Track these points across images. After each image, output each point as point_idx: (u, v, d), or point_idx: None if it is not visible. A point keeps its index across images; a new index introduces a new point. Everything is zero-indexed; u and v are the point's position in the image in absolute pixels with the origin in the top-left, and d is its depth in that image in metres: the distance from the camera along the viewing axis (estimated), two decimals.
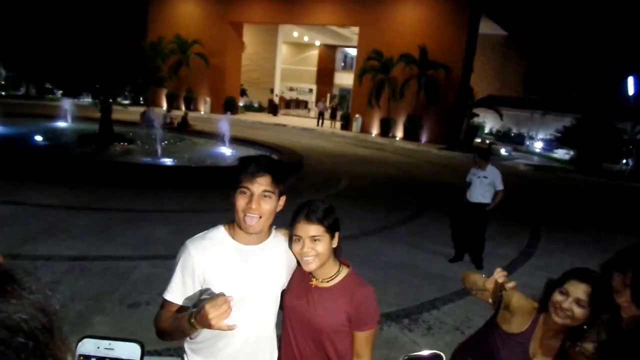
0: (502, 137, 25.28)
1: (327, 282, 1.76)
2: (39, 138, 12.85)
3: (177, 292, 1.63)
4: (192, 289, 1.63)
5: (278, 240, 1.77)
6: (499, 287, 1.82)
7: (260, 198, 1.56)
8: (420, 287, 5.30)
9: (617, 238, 8.21)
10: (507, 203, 10.43)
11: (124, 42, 13.66)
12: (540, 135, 24.69)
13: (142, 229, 6.27)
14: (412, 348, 3.94)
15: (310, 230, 1.65)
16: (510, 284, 1.84)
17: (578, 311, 1.70)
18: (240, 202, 1.57)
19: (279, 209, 1.66)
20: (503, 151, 20.12)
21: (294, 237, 1.69)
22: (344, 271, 1.80)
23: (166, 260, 5.19)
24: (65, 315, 3.87)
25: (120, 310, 4.05)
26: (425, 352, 1.17)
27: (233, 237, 1.67)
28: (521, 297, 1.88)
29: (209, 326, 1.37)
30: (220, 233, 1.68)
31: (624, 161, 19.28)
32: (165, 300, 1.66)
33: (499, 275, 1.84)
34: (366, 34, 23.24)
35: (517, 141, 24.63)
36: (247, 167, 1.58)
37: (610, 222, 9.84)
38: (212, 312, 1.34)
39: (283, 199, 1.67)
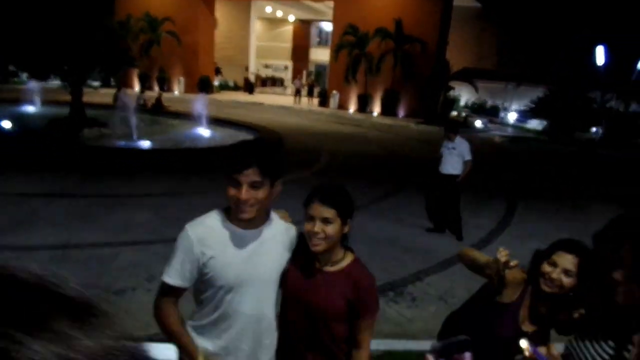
0: (478, 109, 25.61)
1: (331, 266, 1.76)
2: (6, 124, 12.37)
3: (176, 276, 1.66)
4: (191, 273, 1.66)
5: (276, 223, 1.78)
6: (502, 267, 1.87)
7: (249, 188, 1.56)
8: (404, 260, 5.43)
9: (591, 206, 8.52)
10: (483, 174, 10.70)
11: (91, 20, 13.13)
12: (515, 107, 25.12)
13: (122, 214, 6.19)
14: (398, 320, 4.06)
15: (323, 212, 1.65)
16: (513, 263, 1.86)
17: (566, 281, 1.79)
18: (231, 192, 1.58)
19: (275, 194, 1.66)
20: (479, 123, 20.43)
21: (306, 216, 1.69)
22: (349, 257, 1.79)
23: (149, 245, 5.16)
24: None
25: (106, 298, 4.03)
26: (455, 339, 1.22)
27: (231, 222, 1.68)
28: (514, 270, 1.94)
29: None
30: (218, 217, 1.70)
31: (594, 130, 19.85)
32: (164, 283, 1.68)
33: (502, 255, 1.87)
34: (341, 8, 22.93)
35: (492, 113, 25.00)
36: (235, 158, 1.58)
37: (583, 190, 10.18)
38: None
39: (279, 183, 1.67)
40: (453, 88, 22.05)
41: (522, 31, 24.98)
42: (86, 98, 12.96)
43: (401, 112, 21.95)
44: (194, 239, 1.64)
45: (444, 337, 2.21)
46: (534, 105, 19.82)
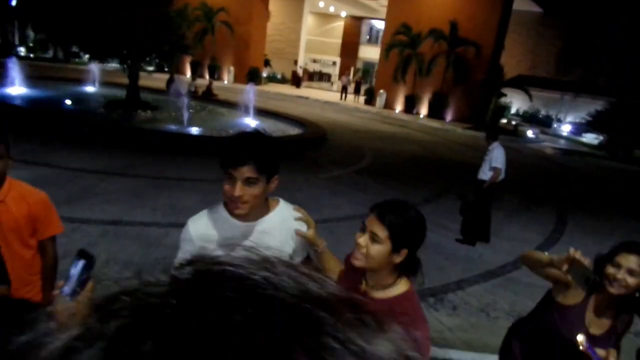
0: (529, 118, 24.68)
1: (377, 291, 1.56)
2: (68, 102, 13.05)
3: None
4: None
5: (282, 214, 1.75)
6: (570, 261, 1.83)
7: (243, 184, 1.54)
8: (445, 267, 5.31)
9: None
10: (534, 187, 10.30)
11: (150, 7, 13.60)
12: (569, 119, 24.01)
13: (171, 196, 6.38)
14: (438, 327, 3.98)
15: (375, 226, 1.49)
16: (583, 258, 1.82)
17: (631, 280, 1.85)
18: (225, 186, 1.56)
19: (271, 189, 1.63)
20: (529, 133, 19.68)
21: (361, 225, 1.57)
22: (402, 286, 1.55)
23: None
24: (103, 278, 4.01)
25: (154, 276, 4.17)
26: None
27: (231, 215, 1.66)
28: (534, 253, 2.11)
29: None
30: (219, 210, 1.70)
31: None
32: (172, 276, 1.72)
33: (573, 251, 1.83)
34: (395, 6, 22.63)
35: (544, 123, 24.02)
36: (232, 153, 1.53)
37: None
38: None
39: (275, 180, 1.63)
40: (505, 95, 21.31)
41: (583, 40, 23.79)
42: (141, 82, 13.44)
43: (449, 116, 21.47)
44: (194, 233, 1.67)
45: (508, 345, 2.36)
46: (591, 118, 18.85)
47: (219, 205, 1.72)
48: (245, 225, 1.67)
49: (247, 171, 1.52)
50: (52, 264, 2.10)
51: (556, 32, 25.84)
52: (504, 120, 23.23)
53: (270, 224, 1.71)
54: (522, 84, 21.08)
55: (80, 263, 1.11)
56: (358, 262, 1.52)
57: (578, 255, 1.80)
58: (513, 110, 25.68)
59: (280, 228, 1.72)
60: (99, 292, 3.63)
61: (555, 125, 23.74)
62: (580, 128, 21.86)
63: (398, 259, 1.49)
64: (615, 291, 1.87)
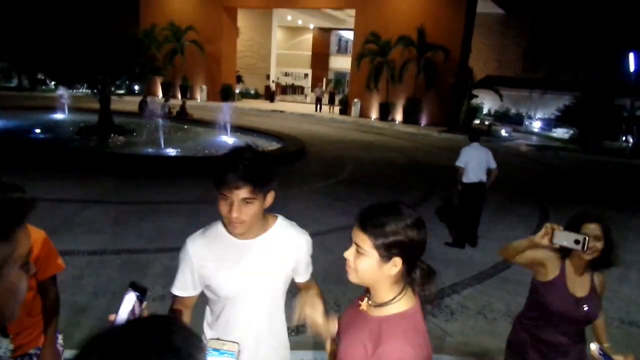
0: (501, 117, 25.26)
1: (375, 307, 1.38)
2: (38, 131, 12.70)
3: (180, 287, 1.71)
4: (193, 284, 1.69)
5: (280, 231, 1.73)
6: (550, 231, 2.04)
7: (240, 205, 1.52)
8: (438, 271, 5.31)
9: (624, 214, 8.28)
10: (514, 184, 10.50)
11: (117, 30, 13.42)
12: (539, 115, 24.68)
13: (155, 221, 6.24)
14: (439, 334, 3.96)
15: (357, 237, 1.34)
16: (559, 228, 2.04)
17: (599, 244, 2.15)
18: (222, 207, 1.55)
19: (267, 205, 1.62)
20: (503, 132, 20.12)
21: None
22: (404, 303, 1.34)
23: None
24: (92, 311, 3.86)
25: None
26: None
27: (230, 232, 1.65)
28: (543, 251, 2.26)
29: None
30: (217, 228, 1.69)
31: (624, 138, 19.36)
32: (172, 294, 1.73)
33: (550, 224, 2.03)
34: (363, 16, 22.96)
35: (516, 121, 24.62)
36: (226, 174, 1.50)
37: (616, 199, 9.90)
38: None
39: (271, 194, 1.62)
40: (476, 96, 21.79)
41: (546, 38, 24.60)
42: (113, 106, 13.20)
43: (423, 120, 21.79)
44: (192, 252, 1.66)
45: (515, 335, 2.52)
46: (560, 114, 19.43)
47: (217, 223, 1.70)
48: (244, 243, 1.66)
49: (243, 192, 1.50)
50: (53, 305, 1.99)
51: (519, 31, 26.65)
52: (477, 121, 23.71)
53: (269, 241, 1.69)
54: (491, 84, 21.61)
55: (134, 296, 1.11)
56: (350, 278, 1.40)
57: (553, 225, 2.02)
58: (485, 111, 26.26)
59: (279, 245, 1.70)
60: (92, 325, 3.46)
61: (526, 123, 24.37)
62: (551, 124, 22.49)
63: (392, 270, 1.30)
64: (589, 257, 2.17)
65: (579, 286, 2.26)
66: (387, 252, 1.29)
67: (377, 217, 1.32)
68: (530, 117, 24.76)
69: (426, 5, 21.30)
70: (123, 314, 1.09)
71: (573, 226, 2.16)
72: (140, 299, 1.12)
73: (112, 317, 1.10)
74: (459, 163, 6.26)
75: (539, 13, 24.49)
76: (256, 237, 1.67)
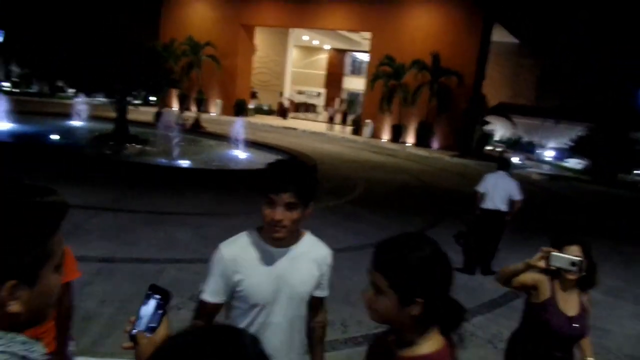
0: (513, 145, 25.19)
1: (404, 349, 1.26)
2: (54, 137, 12.88)
3: (212, 293, 1.73)
4: (225, 290, 1.73)
5: (309, 244, 1.81)
6: (545, 255, 2.28)
7: (284, 209, 1.60)
8: (467, 310, 5.22)
9: (638, 248, 8.13)
10: (526, 213, 10.39)
11: (137, 42, 13.70)
12: (552, 144, 24.58)
13: (164, 231, 6.25)
14: None
15: (374, 275, 1.24)
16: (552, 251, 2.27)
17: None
18: (266, 211, 1.62)
19: (307, 215, 1.69)
20: (515, 159, 20.03)
21: None
22: (431, 345, 1.23)
23: (191, 265, 5.17)
24: (99, 318, 3.84)
25: None
26: None
27: (263, 240, 1.73)
28: (534, 274, 2.42)
29: None
30: (251, 236, 1.75)
31: (636, 172, 19.17)
32: (203, 302, 1.75)
33: (545, 248, 2.27)
34: (378, 39, 23.25)
35: (528, 149, 24.53)
36: (273, 178, 1.61)
37: (630, 233, 9.75)
38: None
39: (311, 206, 1.69)
40: (489, 122, 21.80)
41: (560, 68, 24.69)
42: (129, 115, 13.38)
43: (435, 144, 21.80)
44: (227, 258, 1.70)
45: (511, 354, 2.68)
46: (573, 144, 19.33)
47: (251, 230, 1.77)
48: (277, 251, 1.72)
49: (288, 197, 1.58)
50: (68, 311, 1.98)
51: (533, 60, 26.80)
52: (489, 147, 23.66)
53: (299, 252, 1.76)
54: (504, 111, 21.64)
55: (155, 299, 1.10)
56: (371, 318, 1.29)
57: (549, 249, 2.23)
58: (497, 138, 26.22)
59: (307, 257, 1.77)
60: (98, 332, 3.41)
61: (538, 151, 24.26)
62: (563, 153, 22.35)
63: (414, 310, 1.18)
64: (573, 276, 2.31)
65: (569, 305, 2.41)
66: (406, 292, 1.18)
67: (393, 253, 1.21)
68: (542, 146, 24.67)
69: (442, 31, 21.53)
70: (147, 316, 1.09)
71: (555, 248, 2.32)
72: (160, 303, 1.10)
73: (132, 318, 1.10)
74: (479, 188, 6.29)
75: (552, 43, 24.65)
76: (289, 247, 1.74)
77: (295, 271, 1.73)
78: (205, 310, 1.75)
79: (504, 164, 6.58)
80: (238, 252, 1.72)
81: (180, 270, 5.02)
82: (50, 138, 12.73)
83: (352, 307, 4.58)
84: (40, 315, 0.88)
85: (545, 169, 20.50)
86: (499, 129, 25.54)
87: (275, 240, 1.68)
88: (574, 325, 2.38)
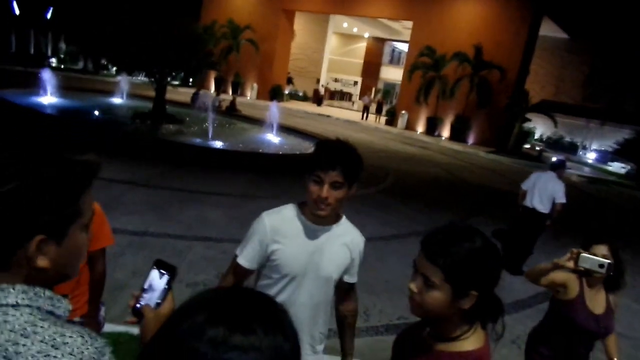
0: (554, 144, 24.32)
1: (443, 343, 1.24)
2: (97, 113, 13.34)
3: (249, 259, 1.79)
4: (261, 257, 1.78)
5: (346, 228, 1.84)
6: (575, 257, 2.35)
7: (330, 187, 1.63)
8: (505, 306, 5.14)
9: None
10: (563, 215, 10.05)
11: (179, 24, 13.91)
12: (595, 146, 23.58)
13: (196, 209, 6.38)
14: None
15: (426, 268, 1.19)
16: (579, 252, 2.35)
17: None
18: (313, 188, 1.65)
19: (351, 195, 1.72)
20: (554, 159, 19.35)
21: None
22: (474, 341, 1.20)
23: (219, 244, 5.27)
24: (130, 289, 3.98)
25: (179, 288, 4.11)
26: None
27: (305, 216, 1.77)
28: (564, 273, 2.48)
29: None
30: (293, 210, 1.80)
31: None
32: (237, 264, 1.81)
33: (575, 250, 2.36)
34: (419, 29, 22.75)
35: (569, 150, 23.63)
36: (322, 157, 1.65)
37: None
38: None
39: (355, 187, 1.72)
40: (529, 120, 21.08)
41: (611, 67, 23.50)
42: (167, 95, 13.67)
43: (471, 139, 21.29)
44: (269, 226, 1.75)
45: (533, 348, 2.75)
46: (619, 147, 18.47)
47: (293, 205, 1.82)
48: (317, 228, 1.76)
49: (335, 175, 1.62)
50: (100, 276, 2.06)
51: (582, 58, 25.61)
52: (527, 146, 22.93)
53: (336, 233, 1.80)
54: (547, 109, 20.84)
55: (161, 274, 1.09)
56: (413, 312, 1.26)
57: (579, 250, 2.32)
58: (536, 136, 25.36)
59: (342, 239, 1.81)
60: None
61: (580, 153, 23.33)
62: (607, 156, 21.42)
63: (466, 304, 1.16)
64: (600, 275, 2.35)
65: (596, 304, 2.48)
66: (462, 285, 1.15)
67: (448, 244, 1.17)
68: (585, 147, 23.70)
69: (486, 22, 20.84)
70: (156, 291, 1.07)
71: (584, 247, 2.43)
72: (166, 278, 1.08)
73: (136, 293, 1.08)
74: (523, 185, 6.22)
75: (604, 41, 23.44)
76: (326, 226, 1.77)
77: (328, 250, 1.77)
78: (236, 271, 1.82)
79: (556, 165, 6.37)
80: (280, 222, 1.76)
81: (208, 248, 5.12)
82: (92, 114, 13.18)
83: (375, 297, 4.57)
84: (68, 272, 0.88)
85: (586, 171, 19.70)
86: (540, 127, 24.66)
87: (318, 217, 1.71)
88: (600, 323, 2.45)
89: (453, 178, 12.68)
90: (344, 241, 1.81)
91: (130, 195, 6.49)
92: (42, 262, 0.80)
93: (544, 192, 5.98)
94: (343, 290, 1.93)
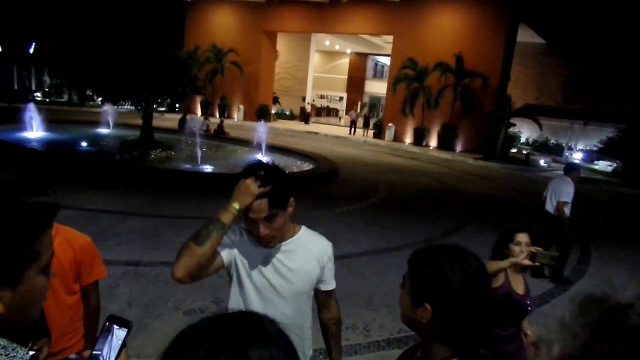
0: (539, 147, 24.63)
1: None
2: (83, 144, 13.28)
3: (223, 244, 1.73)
4: (228, 251, 1.72)
5: (305, 238, 1.78)
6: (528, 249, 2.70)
7: (265, 223, 1.59)
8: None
9: None
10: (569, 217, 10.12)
11: (163, 52, 14.02)
12: (580, 146, 23.93)
13: (188, 235, 6.33)
14: None
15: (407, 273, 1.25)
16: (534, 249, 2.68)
17: (531, 249, 2.66)
18: (249, 227, 1.63)
19: (290, 213, 1.67)
20: (542, 162, 19.59)
21: None
22: None
23: None
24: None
25: (176, 316, 4.08)
26: None
27: (254, 242, 1.71)
28: (492, 263, 2.68)
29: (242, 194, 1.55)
30: (243, 235, 1.75)
31: None
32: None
33: (534, 249, 2.67)
34: (400, 42, 23.12)
35: (555, 152, 23.94)
36: None
37: None
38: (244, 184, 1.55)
39: (291, 203, 1.66)
40: (514, 124, 21.38)
41: (588, 67, 24.01)
42: (154, 122, 13.68)
43: (459, 147, 21.51)
44: (236, 242, 1.73)
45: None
46: (603, 146, 18.77)
47: (240, 228, 1.74)
48: (271, 250, 1.71)
49: (264, 208, 1.56)
50: (95, 309, 2.04)
51: (561, 61, 26.15)
52: (514, 150, 23.20)
53: (294, 246, 1.74)
54: (530, 113, 21.18)
55: (116, 330, 1.04)
56: (401, 319, 1.29)
57: (534, 248, 2.63)
58: (522, 140, 25.69)
59: (303, 251, 1.75)
60: (139, 335, 3.44)
61: (566, 154, 23.65)
62: (593, 155, 21.74)
63: (421, 316, 1.15)
64: (526, 262, 2.63)
65: (518, 285, 2.77)
66: (418, 293, 1.17)
67: (428, 254, 1.22)
68: (570, 148, 24.05)
69: (465, 32, 21.26)
70: (103, 350, 1.01)
71: (507, 237, 2.76)
72: (123, 332, 1.04)
73: (86, 353, 1.03)
74: (544, 193, 6.46)
75: (580, 43, 24.01)
76: (282, 242, 1.72)
77: (289, 267, 1.71)
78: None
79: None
80: (238, 244, 1.74)
81: None
82: (80, 145, 13.13)
83: (374, 311, 4.55)
84: (24, 317, 0.84)
85: None
86: (525, 131, 25.01)
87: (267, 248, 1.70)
88: (525, 301, 2.75)
89: (444, 187, 12.77)
90: (306, 252, 1.76)
91: (122, 225, 6.44)
92: None
93: (554, 195, 6.20)
94: (321, 300, 1.90)
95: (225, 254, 1.71)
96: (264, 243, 1.64)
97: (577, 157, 23.47)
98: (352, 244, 6.61)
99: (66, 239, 1.95)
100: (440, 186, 12.78)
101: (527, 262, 2.60)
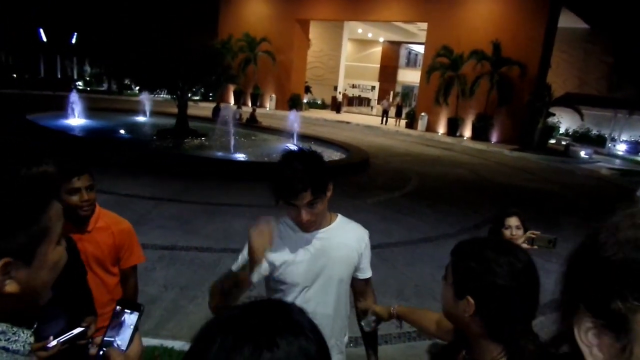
0: (580, 138, 23.68)
1: None
2: (121, 131, 13.70)
3: (240, 265, 1.72)
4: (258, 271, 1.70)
5: (341, 226, 1.80)
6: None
7: (307, 209, 1.61)
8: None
9: None
10: (591, 208, 9.75)
11: (198, 42, 14.22)
12: (624, 137, 22.85)
13: (221, 222, 6.46)
14: None
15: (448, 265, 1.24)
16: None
17: (520, 232, 2.72)
18: (290, 213, 1.64)
19: (329, 197, 1.69)
20: (582, 153, 18.82)
21: None
22: None
23: None
24: (162, 302, 4.05)
25: None
26: None
27: (294, 227, 1.74)
28: None
29: (252, 252, 1.44)
30: (284, 219, 1.77)
31: None
32: (230, 271, 1.74)
33: (531, 232, 2.70)
34: (435, 29, 22.59)
35: (597, 143, 22.95)
36: (287, 185, 1.58)
37: None
38: (255, 234, 1.44)
39: (330, 188, 1.68)
40: (553, 114, 20.59)
41: (633, 56, 22.77)
42: (189, 111, 13.94)
43: (494, 138, 20.93)
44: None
45: None
46: None
47: (284, 217, 1.77)
48: (311, 234, 1.74)
49: (307, 197, 1.58)
50: (133, 292, 2.11)
51: (605, 47, 24.90)
52: (553, 141, 22.40)
53: (331, 234, 1.77)
54: (571, 102, 20.33)
55: (127, 314, 1.04)
56: (443, 311, 1.29)
57: (531, 232, 2.67)
58: (562, 130, 24.76)
59: (340, 239, 1.77)
60: (162, 315, 3.55)
61: (609, 145, 22.62)
62: (637, 147, 20.72)
63: (464, 309, 1.13)
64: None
65: None
66: (461, 285, 1.15)
67: (471, 246, 1.20)
68: (614, 139, 22.97)
69: (503, 18, 20.53)
70: (114, 334, 1.01)
71: (498, 222, 2.81)
72: (134, 316, 1.04)
73: (97, 339, 1.03)
74: (637, 192, 6.34)
75: (626, 29, 22.76)
76: (320, 229, 1.75)
77: (328, 253, 1.73)
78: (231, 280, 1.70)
79: None
80: (275, 236, 1.72)
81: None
82: (118, 133, 13.55)
83: (405, 302, 4.52)
84: (40, 294, 0.81)
85: (617, 163, 19.09)
86: (565, 122, 24.06)
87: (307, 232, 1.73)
88: None
89: (479, 178, 12.48)
90: (343, 240, 1.77)
91: (157, 211, 6.63)
92: (10, 287, 0.73)
93: None
94: (358, 288, 1.91)
95: (256, 275, 1.65)
96: (305, 227, 1.69)
97: (620, 148, 22.43)
98: (384, 234, 6.57)
99: (107, 224, 2.02)
100: (474, 177, 12.50)
101: (525, 246, 2.57)
